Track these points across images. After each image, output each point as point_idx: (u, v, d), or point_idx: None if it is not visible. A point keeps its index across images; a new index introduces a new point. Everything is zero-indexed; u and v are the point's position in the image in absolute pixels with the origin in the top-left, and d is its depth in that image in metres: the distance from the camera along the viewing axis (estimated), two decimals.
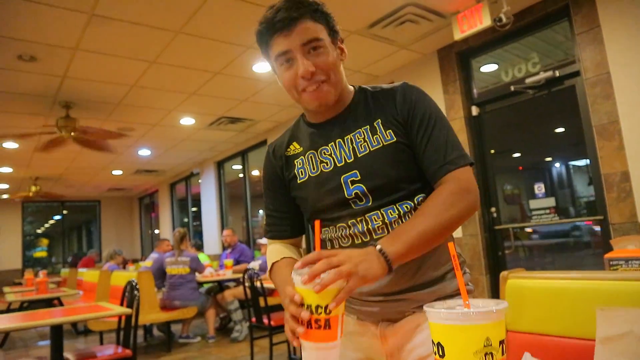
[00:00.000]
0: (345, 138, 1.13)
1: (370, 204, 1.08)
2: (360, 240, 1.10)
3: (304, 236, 1.33)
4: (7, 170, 8.36)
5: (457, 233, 4.17)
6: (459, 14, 3.66)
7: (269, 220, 1.28)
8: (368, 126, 1.11)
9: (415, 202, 1.09)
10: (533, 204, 4.00)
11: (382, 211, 1.08)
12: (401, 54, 4.50)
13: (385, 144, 1.08)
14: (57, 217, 13.65)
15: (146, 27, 3.56)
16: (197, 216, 9.89)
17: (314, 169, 1.16)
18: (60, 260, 13.97)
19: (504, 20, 3.48)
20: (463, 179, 1.03)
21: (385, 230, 1.07)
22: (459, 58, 4.35)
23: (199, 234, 9.80)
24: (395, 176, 1.08)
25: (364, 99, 1.16)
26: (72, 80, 4.54)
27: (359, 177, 1.09)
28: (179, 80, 4.74)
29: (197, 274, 5.49)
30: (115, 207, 12.97)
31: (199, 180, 9.46)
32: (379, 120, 1.11)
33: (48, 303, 5.44)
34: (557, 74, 3.68)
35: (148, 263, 6.35)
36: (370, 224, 1.08)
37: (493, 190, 4.23)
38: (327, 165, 1.14)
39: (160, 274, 5.62)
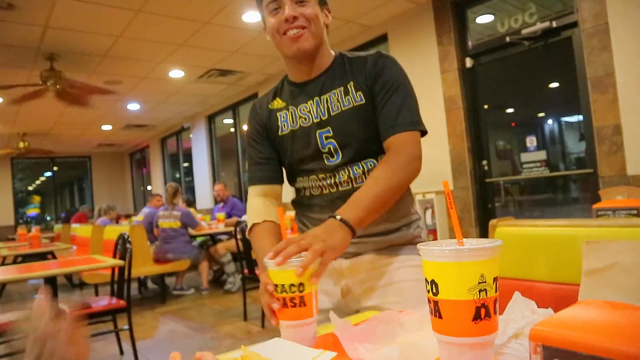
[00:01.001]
0: (322, 97, 1.24)
1: (339, 160, 1.21)
2: (327, 191, 1.25)
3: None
4: None
5: (449, 185, 4.19)
6: None
7: (252, 167, 1.35)
8: (342, 87, 1.23)
9: (378, 159, 1.22)
10: (524, 157, 4.01)
11: (348, 167, 1.21)
12: (395, 3, 4.36)
13: (355, 104, 1.21)
14: (48, 174, 13.55)
15: None
16: (189, 171, 9.86)
17: (293, 123, 1.27)
18: (53, 217, 13.97)
19: None
20: (409, 145, 1.14)
21: (350, 184, 1.22)
22: (454, 8, 4.23)
23: (191, 189, 9.80)
24: (362, 135, 1.20)
25: (342, 63, 1.27)
26: (54, 30, 4.37)
27: (332, 134, 1.22)
28: (166, 30, 4.58)
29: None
30: (107, 163, 12.87)
31: (190, 135, 9.36)
32: (352, 82, 1.23)
33: (42, 257, 5.47)
34: (555, 24, 3.60)
35: (140, 217, 6.36)
36: (337, 177, 1.22)
37: (485, 144, 4.23)
38: (305, 120, 1.26)
39: (152, 228, 5.64)
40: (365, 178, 1.19)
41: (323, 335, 0.87)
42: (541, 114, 4.32)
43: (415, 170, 1.15)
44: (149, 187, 11.79)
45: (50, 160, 12.47)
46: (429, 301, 0.59)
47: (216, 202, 6.68)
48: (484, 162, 4.18)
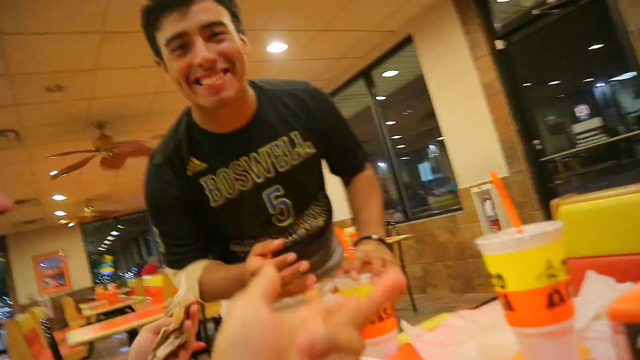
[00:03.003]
0: (259, 151, 1.04)
1: (292, 218, 1.10)
2: (283, 248, 1.07)
3: None
4: (60, 197, 8.77)
5: (504, 172, 4.06)
6: None
7: (172, 249, 1.08)
8: (286, 138, 1.06)
9: (320, 199, 1.18)
10: (577, 127, 3.83)
11: (301, 220, 1.12)
12: (414, 2, 4.34)
13: (306, 157, 1.08)
14: (115, 233, 14.27)
15: None
16: None
17: (230, 189, 1.04)
18: (125, 272, 14.67)
19: None
20: (368, 166, 1.24)
21: (306, 233, 1.13)
22: None
23: None
24: (314, 185, 1.16)
25: (270, 102, 1.07)
26: (99, 100, 4.66)
27: (282, 192, 1.07)
28: None
29: None
30: None
31: None
32: (297, 132, 1.07)
33: (121, 312, 5.73)
34: None
35: None
36: (295, 234, 1.12)
37: (533, 123, 4.07)
38: (244, 182, 1.04)
39: None
40: (314, 221, 1.14)
41: (399, 347, 0.87)
42: (588, 79, 4.14)
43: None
44: None
45: (115, 220, 13.11)
46: (499, 295, 0.58)
47: None
48: (536, 142, 4.02)
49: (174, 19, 0.89)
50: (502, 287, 0.56)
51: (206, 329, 3.16)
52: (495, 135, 4.12)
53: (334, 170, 1.24)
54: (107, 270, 15.16)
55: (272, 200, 1.07)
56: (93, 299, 9.37)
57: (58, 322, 10.18)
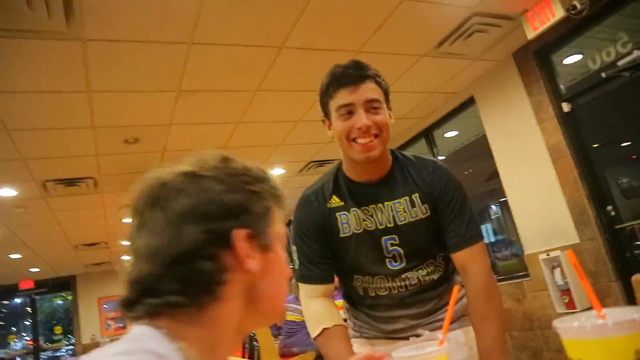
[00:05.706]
0: (385, 204, 1.28)
1: (403, 265, 1.29)
2: (397, 291, 1.31)
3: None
4: (128, 243, 9.18)
5: (574, 239, 3.84)
6: (528, 12, 3.51)
7: (308, 266, 1.33)
8: (407, 197, 1.28)
9: (437, 259, 1.33)
10: None
11: (414, 271, 1.30)
12: (475, 65, 4.38)
13: (422, 217, 1.28)
14: None
15: (227, 92, 3.83)
16: None
17: (358, 226, 1.29)
18: None
19: (579, 7, 3.27)
20: (484, 260, 1.26)
21: (419, 284, 1.30)
22: (537, 57, 4.13)
23: None
24: (426, 243, 1.31)
25: (401, 169, 1.32)
26: (171, 153, 4.96)
27: (398, 242, 1.28)
28: (264, 134, 4.99)
29: None
30: None
31: None
32: (417, 194, 1.28)
33: None
34: None
35: None
36: (407, 281, 1.30)
37: (605, 187, 3.87)
38: (369, 225, 1.29)
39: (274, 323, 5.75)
40: (427, 275, 1.31)
41: None
42: None
43: (497, 285, 1.29)
44: None
45: None
46: None
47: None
48: (609, 208, 3.80)
49: (345, 93, 1.21)
50: None
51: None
52: (564, 200, 3.95)
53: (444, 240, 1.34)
54: None
55: (388, 245, 1.28)
56: None
57: None
